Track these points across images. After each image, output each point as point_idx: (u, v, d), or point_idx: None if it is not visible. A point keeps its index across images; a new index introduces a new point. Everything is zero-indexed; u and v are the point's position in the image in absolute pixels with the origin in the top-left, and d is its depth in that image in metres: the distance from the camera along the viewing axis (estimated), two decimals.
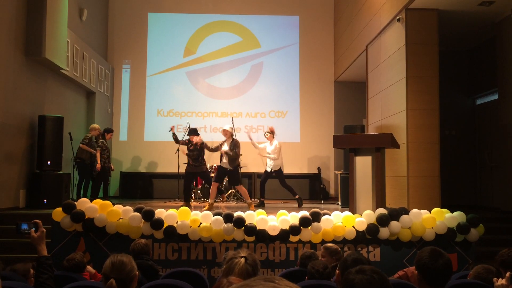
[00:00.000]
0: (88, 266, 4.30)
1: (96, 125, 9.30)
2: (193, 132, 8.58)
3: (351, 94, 12.37)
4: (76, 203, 5.86)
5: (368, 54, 9.69)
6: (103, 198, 8.49)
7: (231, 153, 7.85)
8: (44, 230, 2.67)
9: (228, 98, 12.73)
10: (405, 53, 7.67)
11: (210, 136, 12.39)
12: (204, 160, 8.60)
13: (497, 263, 3.22)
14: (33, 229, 2.64)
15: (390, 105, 8.37)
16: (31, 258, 3.78)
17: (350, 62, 11.01)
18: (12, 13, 7.56)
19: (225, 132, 8.04)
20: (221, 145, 8.09)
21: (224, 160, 7.97)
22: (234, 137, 8.19)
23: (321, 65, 12.85)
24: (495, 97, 8.84)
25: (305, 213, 5.80)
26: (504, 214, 7.82)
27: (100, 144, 9.00)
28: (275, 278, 0.88)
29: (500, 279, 2.52)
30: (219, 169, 8.02)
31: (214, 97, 12.71)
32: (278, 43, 12.94)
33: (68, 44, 9.09)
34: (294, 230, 5.68)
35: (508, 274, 2.51)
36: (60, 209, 5.80)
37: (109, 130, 9.37)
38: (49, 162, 8.05)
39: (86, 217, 5.73)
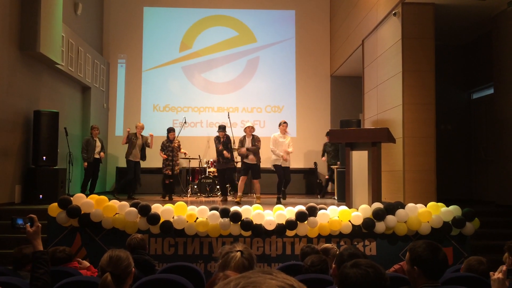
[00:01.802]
0: (79, 260, 4.33)
1: (140, 123, 9.52)
2: (222, 128, 8.91)
3: (347, 89, 12.37)
4: (72, 198, 5.84)
5: (364, 49, 9.68)
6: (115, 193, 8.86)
7: (253, 147, 8.20)
8: (40, 225, 2.66)
9: (224, 93, 12.70)
10: (401, 48, 7.67)
11: (206, 131, 12.38)
12: (233, 156, 8.92)
13: (506, 246, 3.43)
14: (28, 224, 2.62)
15: (386, 100, 8.37)
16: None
17: (346, 57, 11.00)
18: (6, 7, 7.50)
19: (250, 129, 8.32)
20: (241, 142, 8.34)
21: (250, 156, 8.26)
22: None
23: (317, 59, 12.83)
24: (491, 91, 8.85)
25: (301, 207, 5.81)
26: (499, 208, 7.86)
27: (161, 145, 9.39)
28: (273, 271, 0.89)
29: (496, 273, 2.52)
30: (245, 164, 8.35)
31: (210, 92, 12.69)
32: (274, 37, 12.91)
33: (63, 38, 9.03)
34: (290, 224, 5.68)
35: (504, 267, 2.51)
36: (56, 204, 5.78)
37: (171, 130, 9.43)
38: (44, 157, 8.02)
39: (82, 212, 5.72)
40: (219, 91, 12.70)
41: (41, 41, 7.89)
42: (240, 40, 12.86)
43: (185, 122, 11.11)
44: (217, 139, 8.96)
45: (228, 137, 8.99)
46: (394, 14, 7.84)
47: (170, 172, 9.13)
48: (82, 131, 10.80)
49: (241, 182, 8.35)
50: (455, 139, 9.87)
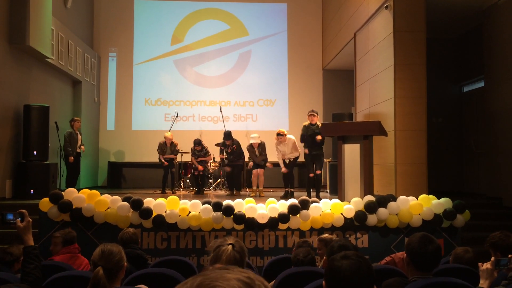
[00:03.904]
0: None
1: (167, 134, 9.55)
2: (228, 136, 8.88)
3: (340, 82, 12.38)
4: (63, 193, 5.81)
5: (356, 42, 9.68)
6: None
7: (262, 155, 8.63)
8: (30, 219, 2.64)
9: (216, 86, 12.66)
10: (392, 41, 7.68)
11: (198, 125, 12.36)
12: (243, 155, 9.01)
13: (487, 244, 3.31)
14: (19, 219, 2.61)
15: (378, 93, 8.40)
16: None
17: (338, 50, 11.00)
18: None
19: (256, 145, 8.58)
20: (252, 153, 8.65)
21: (257, 160, 8.62)
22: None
23: (309, 53, 12.82)
24: (482, 84, 8.91)
25: (293, 201, 5.83)
26: (490, 200, 7.94)
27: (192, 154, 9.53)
28: (229, 267, 0.93)
29: (485, 264, 2.56)
30: (256, 164, 8.69)
31: (202, 86, 12.64)
32: (266, 31, 12.87)
33: (52, 32, 8.93)
34: (283, 218, 5.70)
35: (493, 258, 2.55)
36: (47, 199, 5.75)
37: (198, 141, 9.53)
38: (35, 152, 7.96)
39: (74, 207, 5.69)
40: (211, 85, 12.65)
41: (31, 34, 7.80)
42: (232, 34, 12.80)
43: (177, 116, 11.08)
44: (223, 147, 9.08)
45: (234, 145, 8.88)
46: (386, 7, 7.84)
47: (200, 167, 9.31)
48: None
49: (253, 177, 8.61)
50: (446, 132, 9.94)
